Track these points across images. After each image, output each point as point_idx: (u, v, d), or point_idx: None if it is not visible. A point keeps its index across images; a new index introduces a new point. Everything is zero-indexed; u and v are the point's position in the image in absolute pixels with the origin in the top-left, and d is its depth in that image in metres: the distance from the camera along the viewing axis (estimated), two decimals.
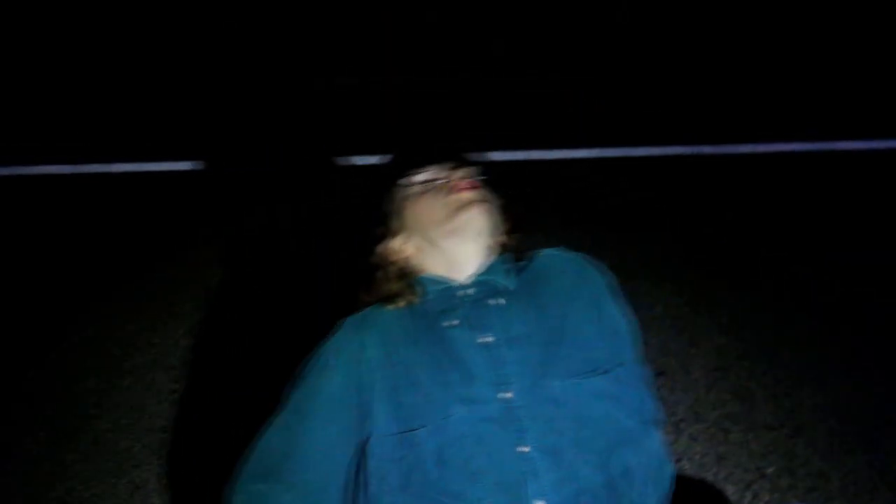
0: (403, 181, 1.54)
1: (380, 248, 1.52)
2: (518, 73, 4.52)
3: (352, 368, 1.35)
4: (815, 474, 2.01)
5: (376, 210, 1.56)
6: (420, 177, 1.54)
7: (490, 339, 1.33)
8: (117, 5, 5.20)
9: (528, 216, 3.12)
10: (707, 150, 3.55)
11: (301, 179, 3.37)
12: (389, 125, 3.92)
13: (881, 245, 2.89)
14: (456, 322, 1.36)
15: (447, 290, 1.43)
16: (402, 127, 3.88)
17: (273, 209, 3.14)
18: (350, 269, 1.59)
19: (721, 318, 2.54)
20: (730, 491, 1.96)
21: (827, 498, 1.94)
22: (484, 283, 1.42)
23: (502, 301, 1.39)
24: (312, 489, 1.29)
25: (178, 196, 3.33)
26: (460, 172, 1.50)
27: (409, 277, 1.47)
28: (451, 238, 1.45)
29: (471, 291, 1.41)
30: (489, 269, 1.45)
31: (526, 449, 1.23)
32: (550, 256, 1.50)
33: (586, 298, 1.42)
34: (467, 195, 1.45)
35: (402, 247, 1.51)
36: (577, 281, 1.44)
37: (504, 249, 1.54)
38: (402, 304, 1.43)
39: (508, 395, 1.27)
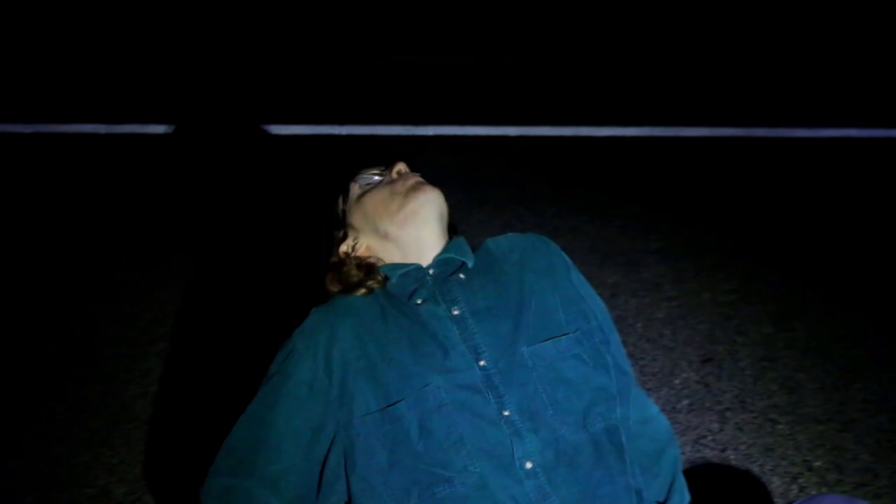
0: (351, 182, 1.60)
1: (337, 250, 1.56)
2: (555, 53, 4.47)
3: (321, 352, 1.35)
4: (863, 470, 1.97)
5: (331, 213, 1.62)
6: (363, 177, 1.59)
7: (457, 311, 1.37)
8: None
9: (576, 194, 3.09)
10: (760, 132, 3.48)
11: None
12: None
13: None
14: (422, 300, 1.40)
15: (409, 274, 1.46)
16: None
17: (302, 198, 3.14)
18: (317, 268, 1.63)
19: (770, 307, 2.50)
20: (775, 483, 1.94)
21: (875, 495, 1.91)
22: (445, 262, 1.47)
23: (462, 276, 1.44)
24: (286, 479, 1.29)
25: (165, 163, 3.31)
26: (400, 166, 1.55)
27: (370, 269, 1.49)
28: (406, 225, 1.48)
29: (432, 272, 1.45)
30: (448, 249, 1.49)
31: (507, 413, 1.26)
32: (499, 239, 1.56)
33: (539, 269, 1.48)
34: (413, 181, 1.50)
35: (357, 245, 1.54)
36: (528, 254, 1.50)
37: (457, 233, 1.60)
38: (365, 291, 1.45)
39: (482, 362, 1.31)
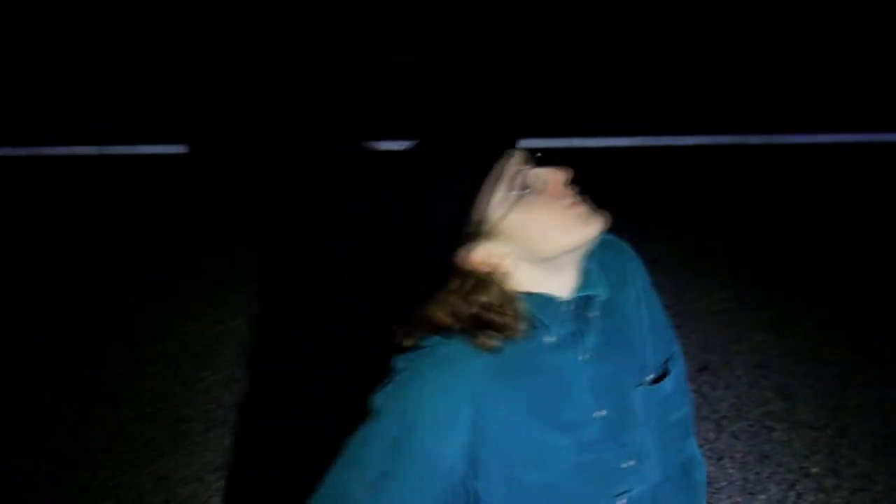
0: (510, 180, 1.17)
1: (462, 254, 1.15)
2: (558, 61, 4.48)
3: (461, 435, 1.12)
4: (860, 475, 1.99)
5: (454, 207, 1.16)
6: (529, 178, 1.18)
7: (588, 356, 1.17)
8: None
9: None
10: (755, 139, 3.49)
11: (341, 165, 3.38)
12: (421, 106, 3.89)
13: None
14: (555, 341, 1.16)
15: (551, 309, 1.17)
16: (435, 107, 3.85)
17: (313, 197, 3.15)
18: (395, 274, 1.25)
19: (764, 315, 2.52)
20: (773, 490, 1.95)
21: (873, 500, 1.92)
22: (584, 297, 1.20)
23: (597, 313, 1.21)
24: None
25: (210, 181, 3.34)
26: (564, 176, 1.20)
27: (508, 297, 1.15)
28: (566, 253, 1.17)
29: (572, 308, 1.19)
30: (587, 281, 1.21)
31: (632, 462, 1.18)
32: (606, 246, 1.29)
33: (637, 295, 1.31)
34: (585, 207, 1.17)
35: (498, 255, 1.16)
36: (628, 274, 1.30)
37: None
38: (510, 335, 1.12)
39: (602, 412, 1.16)
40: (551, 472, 1.14)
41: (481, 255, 1.13)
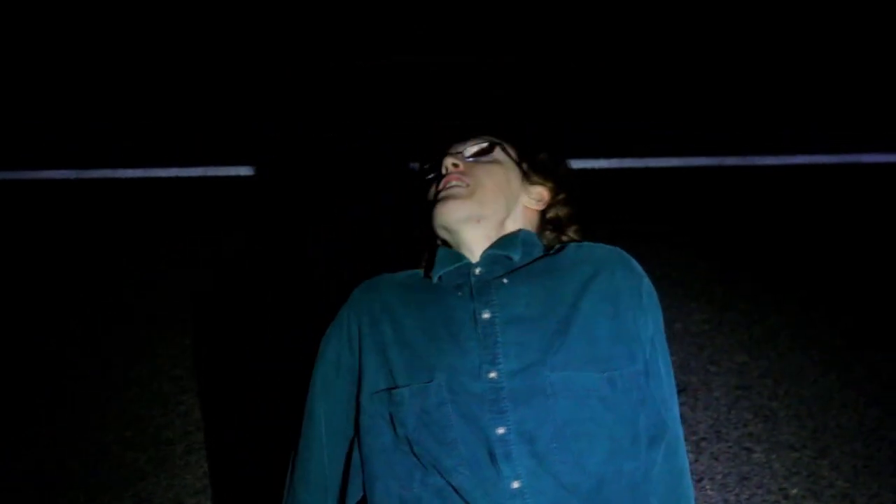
0: (419, 173, 1.61)
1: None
2: (534, 81, 4.50)
3: (344, 328, 1.39)
4: (840, 496, 1.97)
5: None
6: (426, 167, 1.59)
7: (487, 315, 1.31)
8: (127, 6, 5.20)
9: None
10: (731, 161, 3.51)
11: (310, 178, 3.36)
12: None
13: None
14: (458, 294, 1.36)
15: (459, 269, 1.41)
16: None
17: (282, 213, 3.12)
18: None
19: (743, 336, 2.51)
20: None
21: None
22: (491, 259, 1.41)
23: (505, 280, 1.36)
24: (320, 473, 1.37)
25: (181, 200, 3.30)
26: (450, 159, 1.50)
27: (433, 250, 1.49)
28: (440, 232, 1.47)
29: (478, 270, 1.40)
30: (498, 244, 1.43)
31: (501, 431, 1.20)
32: (583, 246, 1.45)
33: (604, 291, 1.35)
34: (441, 194, 1.45)
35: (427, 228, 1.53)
36: (600, 271, 1.37)
37: (531, 225, 1.52)
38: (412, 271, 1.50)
39: (493, 375, 1.25)
40: (424, 399, 1.25)
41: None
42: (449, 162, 1.49)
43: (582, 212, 1.59)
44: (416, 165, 1.67)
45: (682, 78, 4.45)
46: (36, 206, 3.35)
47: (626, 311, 1.35)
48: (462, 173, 1.46)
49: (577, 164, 3.49)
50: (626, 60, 4.64)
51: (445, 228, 1.44)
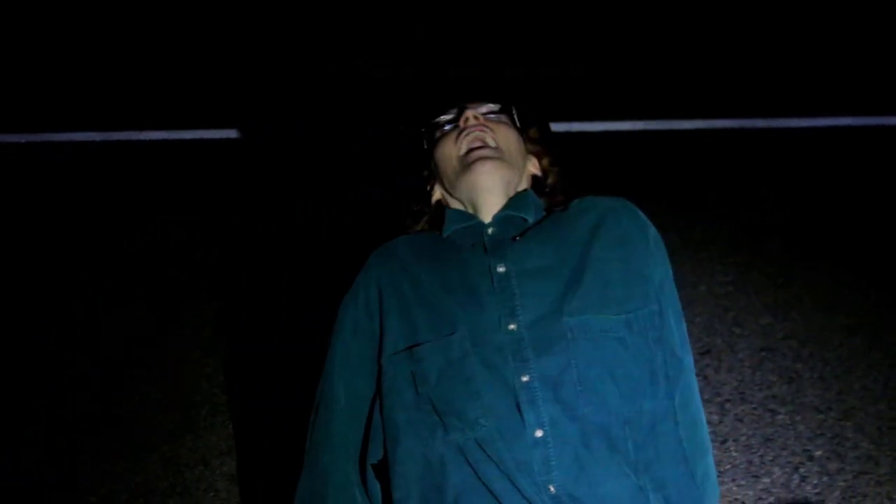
0: (431, 123, 1.58)
1: (419, 190, 1.58)
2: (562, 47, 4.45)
3: (361, 294, 1.41)
4: (864, 458, 1.97)
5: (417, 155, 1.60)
6: (439, 120, 1.57)
7: (503, 268, 1.33)
8: None
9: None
10: (757, 123, 3.46)
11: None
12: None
13: None
14: (473, 250, 1.39)
15: (471, 227, 1.44)
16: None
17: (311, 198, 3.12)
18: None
19: (767, 298, 2.49)
20: (777, 473, 1.93)
21: (877, 482, 1.90)
22: (505, 220, 1.43)
23: (518, 238, 1.39)
24: (341, 435, 1.38)
25: (216, 165, 3.31)
26: (471, 112, 1.50)
27: (438, 212, 1.53)
28: (465, 191, 1.46)
29: (491, 230, 1.42)
30: (511, 205, 1.45)
31: (526, 378, 1.22)
32: (585, 199, 1.48)
33: (612, 237, 1.38)
34: (476, 154, 1.44)
35: (433, 189, 1.57)
36: (606, 218, 1.40)
37: (536, 183, 1.56)
38: (424, 227, 1.54)
39: (512, 326, 1.27)
40: (446, 353, 1.27)
41: (426, 189, 1.57)
42: (470, 114, 1.50)
43: (574, 178, 1.62)
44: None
45: (710, 40, 4.38)
46: (63, 167, 3.37)
47: (636, 255, 1.38)
48: (485, 127, 1.48)
49: (601, 126, 3.53)
50: (659, 18, 4.58)
51: (479, 188, 1.44)
